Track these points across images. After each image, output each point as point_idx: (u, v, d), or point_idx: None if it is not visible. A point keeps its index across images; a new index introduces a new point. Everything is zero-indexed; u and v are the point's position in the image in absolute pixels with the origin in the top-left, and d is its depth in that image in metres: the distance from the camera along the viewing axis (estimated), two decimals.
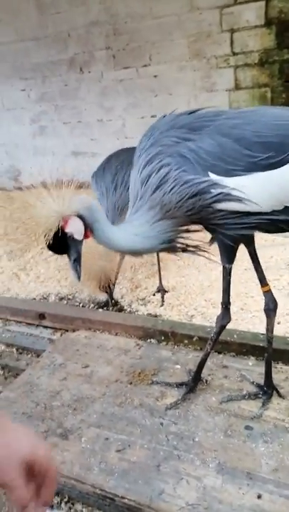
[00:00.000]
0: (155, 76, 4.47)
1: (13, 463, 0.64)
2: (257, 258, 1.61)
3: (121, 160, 2.47)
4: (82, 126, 5.06)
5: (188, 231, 1.50)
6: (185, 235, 1.51)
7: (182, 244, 1.51)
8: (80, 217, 1.38)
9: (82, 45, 4.65)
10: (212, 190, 1.33)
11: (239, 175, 1.30)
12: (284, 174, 1.28)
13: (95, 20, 4.46)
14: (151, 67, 4.43)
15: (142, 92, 4.58)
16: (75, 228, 1.38)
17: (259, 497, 1.28)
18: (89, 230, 1.41)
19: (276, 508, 1.24)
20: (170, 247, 1.51)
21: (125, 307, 2.57)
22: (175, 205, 1.38)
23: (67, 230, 1.37)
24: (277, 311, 1.65)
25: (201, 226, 1.49)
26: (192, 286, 2.73)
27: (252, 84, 4.07)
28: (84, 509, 1.37)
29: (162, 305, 2.52)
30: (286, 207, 1.32)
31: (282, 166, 1.27)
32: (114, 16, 4.36)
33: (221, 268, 2.94)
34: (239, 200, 1.32)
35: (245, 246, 1.57)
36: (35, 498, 0.67)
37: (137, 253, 1.53)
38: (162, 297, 2.59)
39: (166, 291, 2.65)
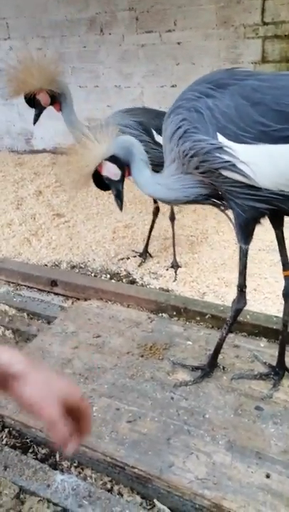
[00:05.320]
0: (178, 43, 4.29)
1: (52, 401, 0.70)
2: (284, 241, 1.56)
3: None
4: (99, 92, 4.90)
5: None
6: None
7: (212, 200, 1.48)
8: (115, 158, 1.59)
9: (104, 4, 4.43)
10: (217, 155, 1.26)
11: (247, 142, 1.21)
12: None
13: None
14: (175, 32, 4.24)
15: (163, 59, 4.40)
16: (109, 171, 1.62)
17: (268, 476, 1.30)
18: (128, 169, 1.61)
19: (284, 489, 1.26)
20: (198, 202, 1.49)
21: (137, 280, 2.56)
22: (183, 161, 1.37)
23: (103, 173, 1.63)
24: None
25: None
26: (205, 263, 2.71)
27: (280, 58, 3.90)
28: (93, 475, 1.39)
29: (175, 280, 2.50)
30: None
31: None
32: None
33: (234, 247, 2.91)
34: (243, 174, 1.24)
35: (273, 227, 1.52)
36: (74, 433, 0.72)
37: (164, 201, 1.62)
38: (175, 272, 2.57)
39: (179, 267, 2.63)
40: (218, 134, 1.25)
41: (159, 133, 2.23)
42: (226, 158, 1.26)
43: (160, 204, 2.65)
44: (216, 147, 1.26)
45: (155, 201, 2.59)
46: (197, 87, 1.33)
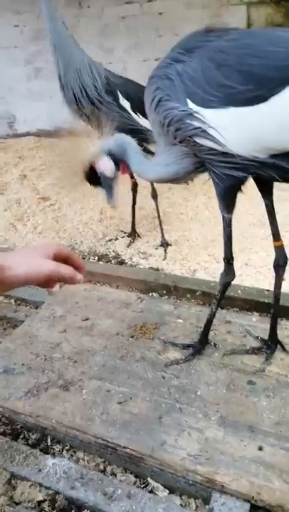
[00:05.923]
0: (160, 13, 4.14)
1: (41, 260, 0.87)
2: (274, 211, 1.50)
3: None
4: None
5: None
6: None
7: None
8: (111, 154, 1.55)
9: None
10: (188, 122, 1.21)
11: (215, 107, 1.14)
12: (261, 113, 1.09)
13: None
14: (156, 2, 4.09)
15: (145, 31, 4.26)
16: (105, 167, 1.58)
17: (260, 449, 1.28)
18: (124, 164, 1.58)
19: (277, 460, 1.25)
20: (198, 171, 1.43)
21: (126, 260, 2.51)
22: (164, 131, 1.32)
23: (98, 169, 1.57)
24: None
25: None
26: (195, 240, 2.67)
27: (265, 24, 3.78)
28: (86, 457, 1.37)
29: (165, 259, 2.46)
30: (273, 156, 1.15)
31: (260, 103, 1.09)
32: None
33: None
34: (215, 140, 1.18)
35: (262, 196, 1.47)
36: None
37: (168, 181, 1.55)
38: (165, 251, 2.53)
39: (169, 245, 2.58)
40: (187, 100, 1.19)
41: (125, 96, 2.19)
42: (196, 124, 1.20)
43: (138, 179, 2.57)
44: (186, 114, 1.20)
45: (132, 176, 2.52)
46: (170, 53, 1.26)
